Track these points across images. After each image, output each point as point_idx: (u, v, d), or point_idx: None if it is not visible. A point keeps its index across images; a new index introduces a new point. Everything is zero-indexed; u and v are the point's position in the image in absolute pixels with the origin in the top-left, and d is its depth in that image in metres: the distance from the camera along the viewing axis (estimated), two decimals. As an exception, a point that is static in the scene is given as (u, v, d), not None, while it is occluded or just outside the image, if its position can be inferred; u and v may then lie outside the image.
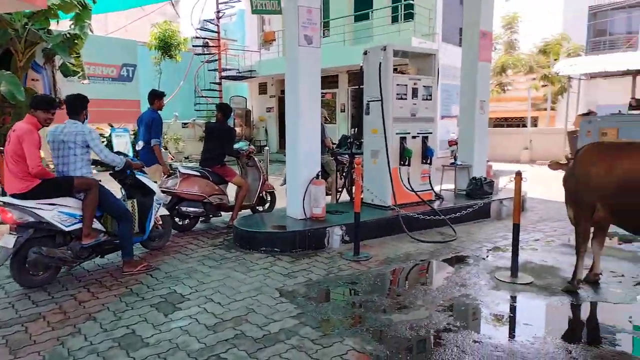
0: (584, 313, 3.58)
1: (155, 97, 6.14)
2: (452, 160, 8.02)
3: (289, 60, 5.74)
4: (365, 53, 6.48)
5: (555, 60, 17.81)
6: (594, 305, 3.66)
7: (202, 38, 17.83)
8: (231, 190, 6.49)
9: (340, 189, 7.53)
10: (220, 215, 6.54)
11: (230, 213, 6.35)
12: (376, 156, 6.40)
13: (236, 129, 18.23)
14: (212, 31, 17.65)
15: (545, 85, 19.79)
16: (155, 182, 5.91)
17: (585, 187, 3.77)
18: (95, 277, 4.40)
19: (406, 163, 6.30)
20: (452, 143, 11.00)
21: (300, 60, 5.55)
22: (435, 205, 6.54)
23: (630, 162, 3.52)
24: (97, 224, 4.35)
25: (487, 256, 4.98)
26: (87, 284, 4.19)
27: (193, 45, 18.27)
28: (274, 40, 17.78)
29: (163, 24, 17.72)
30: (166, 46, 17.23)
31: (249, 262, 4.81)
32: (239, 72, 18.56)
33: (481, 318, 3.47)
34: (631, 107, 12.21)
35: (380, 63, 6.10)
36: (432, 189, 6.78)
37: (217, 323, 3.35)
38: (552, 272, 4.38)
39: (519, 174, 4.25)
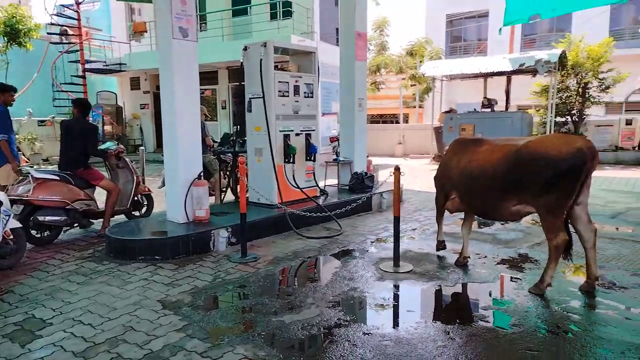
0: (457, 295, 3.90)
1: (1, 91, 5.27)
2: (335, 157, 8.25)
3: (163, 54, 5.34)
4: (245, 49, 6.32)
5: (421, 62, 19.42)
6: (464, 287, 4.00)
7: (59, 25, 15.89)
8: (101, 195, 5.86)
9: (224, 189, 7.27)
10: (92, 224, 5.88)
11: (102, 220, 5.74)
12: (260, 154, 6.29)
13: (106, 127, 16.67)
14: (72, 18, 15.85)
15: (414, 85, 21.50)
16: (5, 186, 5.09)
17: (446, 176, 4.41)
18: None
19: (291, 160, 6.30)
20: (333, 139, 11.32)
21: (175, 54, 5.20)
22: (321, 201, 6.65)
23: (468, 155, 4.10)
24: None
25: (372, 248, 5.19)
26: None
27: (48, 33, 16.19)
28: (145, 31, 16.58)
29: (9, 7, 15.39)
30: (13, 32, 14.99)
31: (125, 274, 4.37)
32: (107, 65, 16.96)
33: (369, 310, 3.58)
34: (483, 105, 13.83)
35: (261, 59, 5.99)
36: (317, 185, 6.89)
37: (88, 348, 2.96)
38: (429, 259, 4.72)
39: (397, 169, 4.47)
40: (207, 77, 15.32)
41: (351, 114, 8.00)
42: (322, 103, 14.15)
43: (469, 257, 4.50)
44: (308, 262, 4.79)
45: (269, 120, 6.05)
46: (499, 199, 3.84)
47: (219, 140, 7.86)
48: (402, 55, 21.68)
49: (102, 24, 19.73)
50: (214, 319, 3.37)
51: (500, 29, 14.03)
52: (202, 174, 5.53)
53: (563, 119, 14.35)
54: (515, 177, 3.66)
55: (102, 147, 6.06)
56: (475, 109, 14.21)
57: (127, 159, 6.20)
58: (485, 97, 14.05)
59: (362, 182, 7.42)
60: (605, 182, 9.65)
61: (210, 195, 6.40)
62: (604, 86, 13.93)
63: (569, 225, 3.74)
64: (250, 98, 6.32)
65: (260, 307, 3.56)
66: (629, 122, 13.96)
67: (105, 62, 17.06)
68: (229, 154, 7.16)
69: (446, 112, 14.35)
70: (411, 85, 22.20)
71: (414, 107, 22.03)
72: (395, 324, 3.35)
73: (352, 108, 7.98)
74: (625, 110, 17.09)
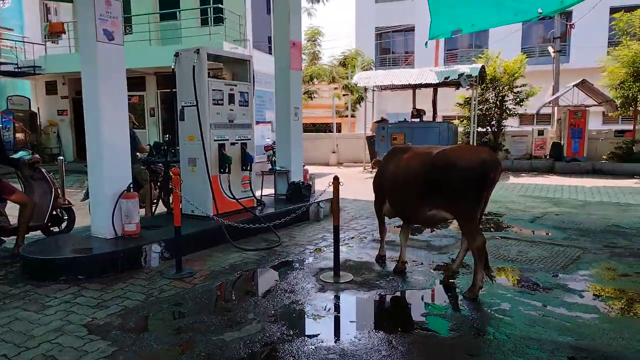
0: (397, 303, 3.96)
1: None
2: (270, 166, 8.16)
3: (86, 58, 4.98)
4: (176, 55, 6.07)
5: (352, 72, 19.90)
6: (404, 294, 4.08)
7: (-37, 23, 14.42)
8: (14, 209, 5.32)
9: (155, 201, 6.91)
10: (3, 242, 5.32)
11: (15, 238, 5.21)
12: (194, 164, 6.05)
13: (18, 134, 15.33)
14: (-22, 15, 14.43)
15: (346, 95, 21.97)
16: None
17: (381, 183, 4.57)
18: None
19: (226, 170, 6.12)
20: (268, 148, 11.21)
21: (100, 58, 4.87)
22: (258, 211, 6.52)
23: (396, 162, 4.30)
24: None
25: (311, 258, 5.16)
26: None
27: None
28: (63, 32, 15.49)
29: None
30: None
31: (44, 297, 3.98)
32: (19, 68, 15.61)
33: (312, 323, 3.53)
34: (413, 115, 14.41)
35: (194, 66, 5.79)
36: (254, 196, 6.75)
37: (1, 384, 2.64)
38: (368, 267, 4.77)
39: (336, 179, 4.49)
40: (134, 82, 14.58)
41: (287, 123, 7.96)
42: (256, 111, 14.01)
43: (407, 262, 4.61)
44: (247, 275, 4.66)
45: (203, 129, 5.85)
46: (417, 204, 4.05)
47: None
48: (335, 65, 22.11)
49: (14, 24, 18.16)
50: (147, 342, 3.15)
51: (427, 42, 14.85)
52: (131, 185, 5.21)
53: (484, 130, 15.31)
54: (429, 184, 3.86)
55: (15, 156, 5.53)
56: (405, 119, 14.76)
57: (43, 170, 5.70)
58: (414, 108, 14.65)
59: (299, 192, 7.39)
60: (522, 189, 10.39)
61: (140, 207, 6.04)
62: (518, 99, 15.08)
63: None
64: (183, 106, 6.07)
65: (199, 326, 3.39)
66: (540, 133, 15.19)
67: (17, 64, 15.69)
68: (160, 164, 6.82)
69: (378, 121, 14.76)
70: (343, 95, 22.67)
71: (347, 116, 22.48)
72: (339, 336, 3.33)
73: (287, 117, 7.94)
74: (537, 122, 18.62)
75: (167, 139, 7.44)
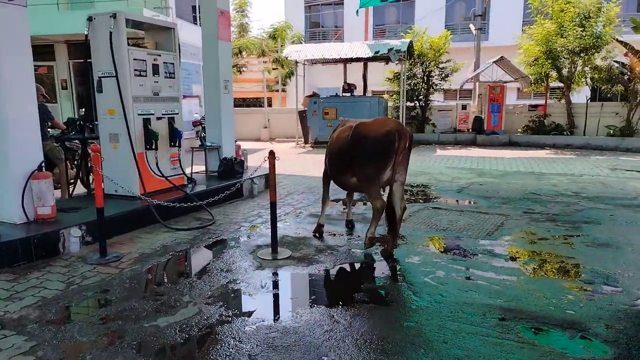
0: (336, 277, 3.96)
1: None
2: (200, 142, 7.80)
3: (-18, 19, 4.35)
4: (89, 19, 5.50)
5: (282, 45, 19.48)
6: (343, 267, 4.09)
7: None
8: None
9: (72, 181, 6.35)
10: None
11: None
12: (116, 140, 5.61)
13: None
14: None
15: (277, 69, 21.54)
16: None
17: (326, 153, 4.81)
18: None
19: (153, 147, 5.74)
20: (197, 124, 10.74)
21: (-1, 20, 4.28)
22: (189, 189, 6.22)
23: (335, 134, 4.64)
24: None
25: (247, 236, 5.01)
26: None
27: None
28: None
29: None
30: None
31: (-58, 292, 3.51)
32: None
33: (252, 301, 3.43)
34: (344, 90, 14.45)
35: (111, 33, 5.29)
36: (184, 173, 6.43)
37: None
38: (306, 242, 4.72)
39: (272, 154, 4.35)
40: (41, 52, 13.18)
41: (217, 97, 7.61)
42: (182, 85, 13.31)
43: (352, 220, 5.24)
44: (179, 256, 4.43)
45: (124, 102, 5.40)
46: (344, 172, 4.45)
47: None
48: (264, 38, 21.49)
49: None
50: (70, 334, 2.89)
51: (357, 10, 14.83)
52: (43, 164, 4.71)
53: (412, 104, 15.75)
54: (350, 153, 4.24)
55: None
56: (336, 94, 14.78)
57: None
58: (345, 82, 14.69)
59: (232, 168, 7.14)
60: (449, 161, 10.86)
61: (56, 188, 5.52)
62: (443, 75, 15.63)
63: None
64: (100, 77, 5.55)
65: (129, 313, 3.16)
66: (464, 107, 15.91)
67: None
68: (76, 141, 6.25)
69: (310, 96, 14.64)
70: (274, 69, 22.21)
71: (277, 91, 22.12)
72: (280, 313, 3.26)
73: (217, 91, 7.59)
74: (460, 97, 19.49)
75: (82, 113, 6.81)
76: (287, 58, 14.39)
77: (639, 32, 14.03)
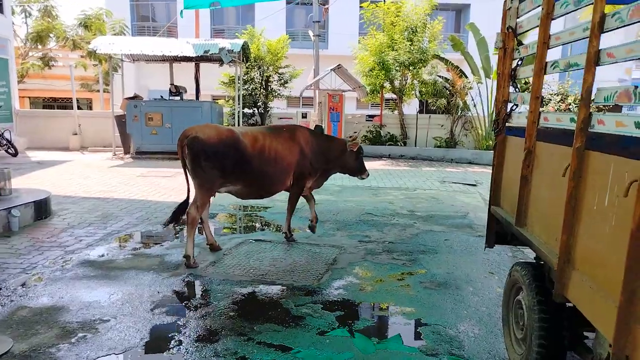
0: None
1: None
2: None
3: None
4: None
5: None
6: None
7: None
8: None
9: None
10: None
11: None
12: None
13: None
14: None
15: (97, 65, 18.43)
16: None
17: None
18: None
19: None
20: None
21: None
22: None
23: None
24: None
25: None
26: None
27: None
28: None
29: None
30: None
31: None
32: None
33: None
34: (171, 93, 12.62)
35: None
36: None
37: None
38: (50, 319, 3.09)
39: None
40: None
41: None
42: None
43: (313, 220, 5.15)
44: None
45: None
46: None
47: None
48: (73, 26, 18.09)
49: None
50: None
51: (182, 11, 13.15)
52: None
53: (251, 111, 14.64)
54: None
55: None
56: (162, 97, 12.86)
57: None
58: (172, 84, 12.87)
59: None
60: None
61: None
62: (283, 80, 14.86)
63: None
64: None
65: None
66: (304, 115, 15.33)
67: None
68: None
69: (130, 98, 12.44)
70: (94, 65, 19.02)
71: (99, 91, 18.99)
72: None
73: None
74: (303, 105, 19.07)
75: None
76: (95, 51, 11.92)
77: (457, 50, 15.33)
